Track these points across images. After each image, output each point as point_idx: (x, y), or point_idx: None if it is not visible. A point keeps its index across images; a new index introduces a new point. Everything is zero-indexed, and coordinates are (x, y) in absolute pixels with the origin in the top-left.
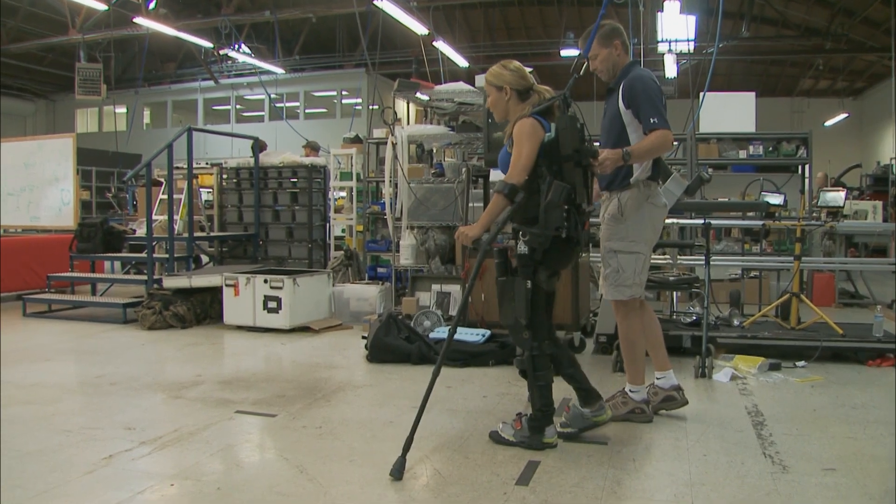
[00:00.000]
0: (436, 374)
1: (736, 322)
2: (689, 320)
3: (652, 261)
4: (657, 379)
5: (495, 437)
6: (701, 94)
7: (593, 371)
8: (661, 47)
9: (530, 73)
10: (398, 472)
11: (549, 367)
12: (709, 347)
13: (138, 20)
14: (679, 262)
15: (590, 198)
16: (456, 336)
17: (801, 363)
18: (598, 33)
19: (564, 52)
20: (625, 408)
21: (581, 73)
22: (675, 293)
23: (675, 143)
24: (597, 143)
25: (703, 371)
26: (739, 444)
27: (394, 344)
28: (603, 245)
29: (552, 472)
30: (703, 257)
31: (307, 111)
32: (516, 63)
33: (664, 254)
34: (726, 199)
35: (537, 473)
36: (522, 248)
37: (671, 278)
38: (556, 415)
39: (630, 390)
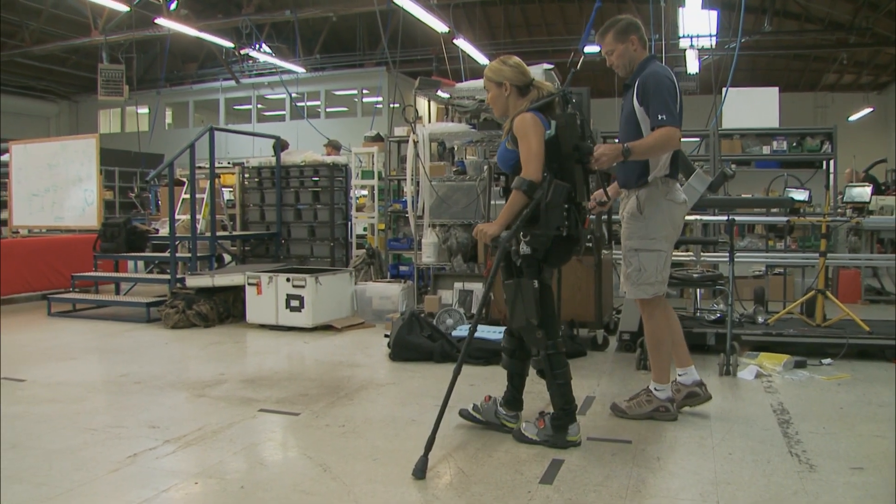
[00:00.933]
0: (457, 373)
1: (760, 319)
2: (712, 317)
3: (675, 258)
4: (679, 376)
5: (519, 437)
6: (724, 89)
7: (616, 369)
8: (683, 43)
9: (550, 70)
10: (420, 471)
11: (566, 364)
12: (733, 345)
13: (159, 21)
14: (702, 258)
15: (589, 195)
16: (478, 334)
17: (827, 361)
18: (614, 28)
19: (586, 49)
20: (649, 406)
21: (578, 67)
22: (698, 290)
23: (698, 139)
24: (616, 140)
25: (728, 369)
26: (765, 442)
27: (416, 342)
28: (623, 244)
29: (576, 470)
30: (727, 254)
31: (328, 110)
32: (516, 58)
33: (687, 250)
34: (750, 196)
35: (561, 472)
36: (525, 248)
37: (695, 275)
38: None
39: (655, 388)
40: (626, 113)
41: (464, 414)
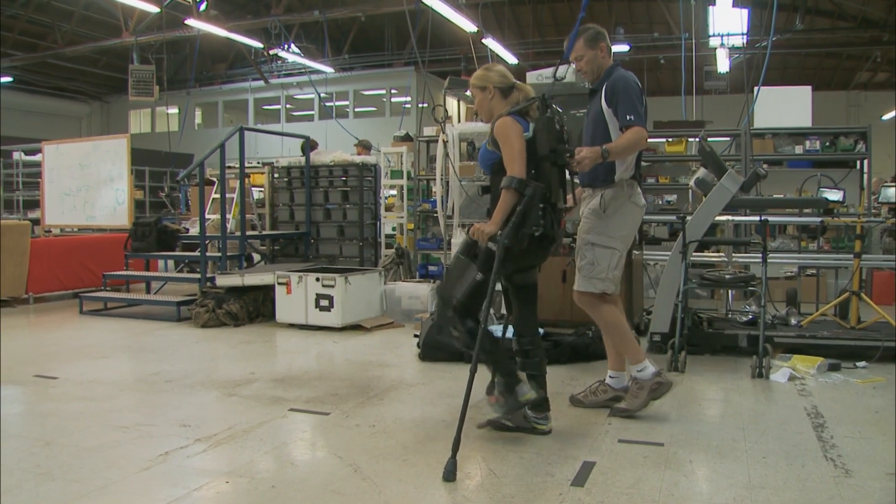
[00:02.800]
0: (473, 372)
1: (793, 321)
2: (744, 319)
3: (707, 258)
4: (610, 377)
5: (497, 425)
6: (755, 88)
7: None
8: (713, 41)
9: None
10: (451, 473)
11: (496, 342)
12: (766, 347)
13: (189, 22)
14: (734, 259)
15: (566, 196)
16: (510, 334)
17: (862, 364)
18: (584, 36)
19: (614, 48)
20: (643, 392)
21: (563, 77)
22: (730, 291)
23: (729, 138)
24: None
25: (760, 371)
26: (799, 446)
27: (446, 342)
28: (580, 237)
29: (608, 472)
30: (759, 255)
31: (357, 110)
32: (499, 66)
33: (718, 251)
34: (782, 196)
35: (593, 474)
36: (492, 245)
37: (727, 276)
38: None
39: (637, 372)
40: (592, 115)
41: (495, 424)
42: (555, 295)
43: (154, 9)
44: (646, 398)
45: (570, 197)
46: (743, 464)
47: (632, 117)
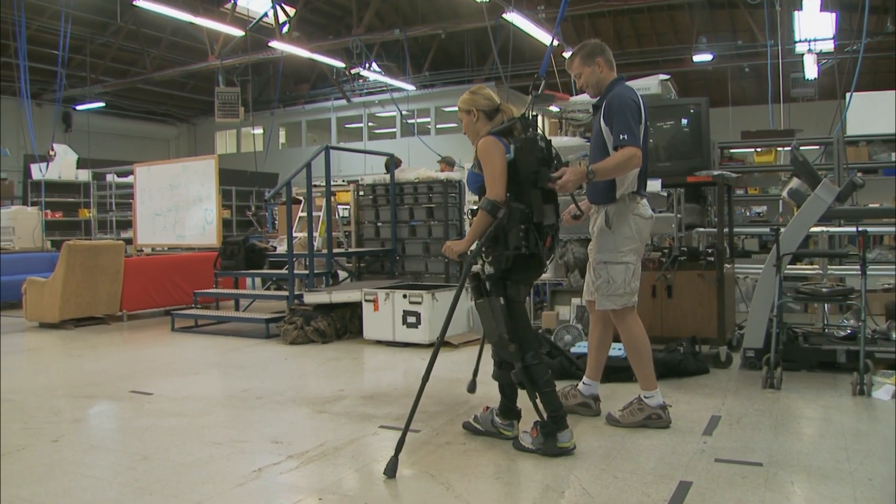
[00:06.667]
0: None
1: (895, 336)
2: (842, 334)
3: (800, 272)
4: (583, 384)
5: (517, 446)
6: (847, 94)
7: (741, 387)
8: (800, 47)
9: (667, 80)
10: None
11: (548, 373)
12: (867, 363)
13: (273, 44)
14: (829, 272)
15: (558, 214)
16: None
17: None
18: (580, 52)
19: (697, 58)
20: (641, 414)
21: (540, 91)
22: (825, 305)
23: (819, 147)
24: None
25: (862, 388)
26: None
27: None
28: (593, 257)
29: (705, 493)
30: (857, 267)
31: (438, 126)
32: (486, 90)
33: (812, 263)
34: (878, 205)
35: (690, 496)
36: (488, 268)
37: (824, 290)
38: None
39: (645, 396)
40: (595, 133)
41: (466, 426)
42: (644, 310)
43: (239, 32)
44: (641, 421)
45: (572, 207)
46: (848, 486)
47: (625, 136)
